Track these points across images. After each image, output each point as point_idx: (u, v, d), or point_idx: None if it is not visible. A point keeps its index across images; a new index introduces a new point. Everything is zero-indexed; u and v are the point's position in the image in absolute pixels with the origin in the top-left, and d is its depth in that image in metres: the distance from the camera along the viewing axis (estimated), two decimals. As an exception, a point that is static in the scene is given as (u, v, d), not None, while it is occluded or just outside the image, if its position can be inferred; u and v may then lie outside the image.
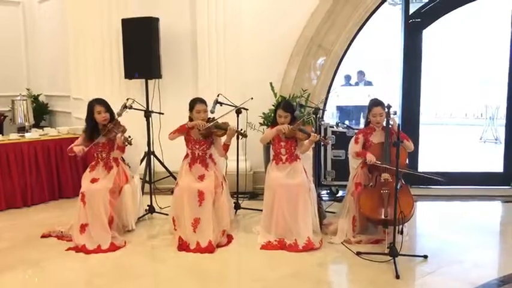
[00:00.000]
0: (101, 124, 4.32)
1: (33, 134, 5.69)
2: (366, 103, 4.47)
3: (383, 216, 3.86)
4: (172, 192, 4.45)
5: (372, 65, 11.12)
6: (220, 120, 4.36)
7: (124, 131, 4.29)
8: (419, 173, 4.21)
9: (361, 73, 10.41)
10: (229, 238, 4.27)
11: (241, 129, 4.48)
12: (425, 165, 6.19)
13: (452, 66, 11.86)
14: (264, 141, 4.49)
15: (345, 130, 5.52)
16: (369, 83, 10.42)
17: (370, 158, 4.13)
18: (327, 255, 3.94)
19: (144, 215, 4.86)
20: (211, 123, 4.25)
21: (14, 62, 7.81)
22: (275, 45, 5.86)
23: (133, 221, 4.50)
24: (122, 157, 4.51)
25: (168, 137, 4.31)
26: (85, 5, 6.08)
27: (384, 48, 10.72)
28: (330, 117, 10.03)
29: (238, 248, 4.21)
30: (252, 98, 4.84)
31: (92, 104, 4.34)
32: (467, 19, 9.91)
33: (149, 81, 5.58)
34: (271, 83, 5.65)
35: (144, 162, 5.39)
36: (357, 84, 10.49)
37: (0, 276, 3.57)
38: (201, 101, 4.35)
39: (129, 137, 4.22)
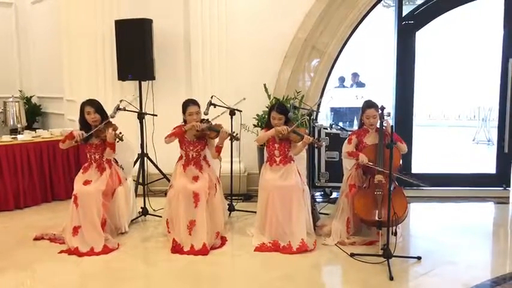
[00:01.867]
0: (93, 125, 4.30)
1: (25, 136, 5.65)
2: (358, 105, 4.48)
3: (377, 218, 3.86)
4: (165, 194, 4.43)
5: (366, 67, 11.14)
6: (214, 122, 4.36)
7: (115, 128, 4.27)
8: (405, 177, 4.22)
9: (354, 75, 10.44)
10: (223, 240, 4.26)
11: (234, 132, 4.47)
12: (418, 166, 6.21)
13: (446, 68, 11.91)
14: (260, 141, 4.47)
15: (338, 132, 5.53)
16: (362, 85, 10.45)
17: (362, 158, 4.14)
18: (320, 257, 3.95)
19: (137, 217, 4.84)
20: (206, 125, 4.25)
21: (6, 63, 7.75)
22: (269, 46, 5.86)
23: (126, 223, 4.49)
24: (114, 159, 4.49)
25: (164, 141, 4.29)
26: (78, 6, 6.05)
27: (377, 50, 10.75)
28: (324, 119, 10.05)
29: (232, 250, 4.20)
30: (244, 99, 4.83)
31: (83, 105, 4.34)
32: (461, 21, 9.96)
33: (142, 82, 5.56)
34: (265, 85, 5.64)
35: (137, 164, 5.36)
36: (351, 86, 10.52)
37: (-9, 280, 3.55)
38: (193, 102, 4.34)
39: (120, 133, 4.21)
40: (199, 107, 4.35)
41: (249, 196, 5.67)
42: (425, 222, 4.94)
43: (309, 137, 4.19)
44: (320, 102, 6.08)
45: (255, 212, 4.44)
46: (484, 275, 3.59)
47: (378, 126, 4.21)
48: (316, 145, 4.30)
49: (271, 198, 4.14)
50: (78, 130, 4.28)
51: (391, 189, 3.74)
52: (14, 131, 6.01)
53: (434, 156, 8.35)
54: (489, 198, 5.69)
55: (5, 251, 4.12)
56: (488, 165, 6.46)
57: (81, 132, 4.23)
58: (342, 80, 10.49)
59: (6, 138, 5.51)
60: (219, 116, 4.48)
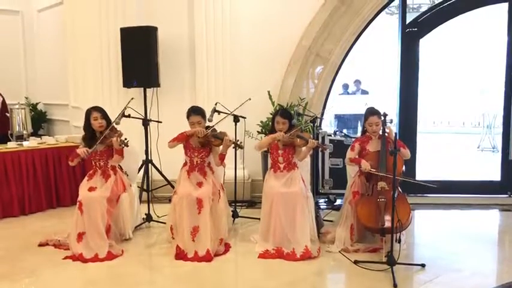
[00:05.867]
0: (98, 132, 4.33)
1: (31, 143, 5.69)
2: (362, 111, 4.48)
3: (380, 225, 3.86)
4: (170, 201, 4.44)
5: (370, 74, 11.16)
6: (218, 130, 4.37)
7: (120, 135, 4.29)
8: (413, 180, 4.23)
9: (357, 82, 10.45)
10: (227, 247, 4.26)
11: (238, 141, 4.47)
12: (422, 173, 6.19)
13: (450, 75, 11.90)
14: (259, 148, 4.48)
15: (342, 138, 5.53)
16: (365, 92, 10.46)
17: (365, 165, 4.13)
18: (324, 264, 3.94)
19: (141, 224, 4.86)
20: (209, 132, 4.26)
21: (12, 70, 7.82)
22: (273, 54, 5.89)
23: (130, 230, 4.50)
24: (119, 165, 4.51)
25: (167, 145, 4.31)
26: (84, 14, 6.12)
27: (381, 57, 10.77)
28: (328, 126, 10.05)
29: (235, 257, 4.20)
30: (249, 99, 4.84)
31: (89, 111, 4.37)
32: (465, 28, 9.97)
33: (147, 89, 5.60)
34: (269, 92, 5.66)
35: (141, 171, 5.38)
36: (353, 93, 10.53)
37: (-4, 285, 3.56)
38: (196, 111, 4.32)
39: (125, 139, 4.22)
40: (203, 115, 4.34)
41: (253, 203, 5.67)
42: (430, 230, 4.92)
43: (313, 140, 4.19)
44: (323, 109, 6.10)
45: (259, 219, 4.43)
46: (488, 282, 3.58)
47: (381, 133, 4.22)
48: (321, 149, 4.30)
49: (275, 204, 4.14)
50: (81, 148, 4.30)
51: (395, 196, 3.74)
52: (20, 138, 6.05)
53: (438, 163, 8.33)
54: (494, 206, 5.66)
55: (10, 256, 4.14)
56: (493, 172, 6.44)
57: (85, 149, 4.25)
58: (345, 87, 10.51)
59: (12, 145, 5.55)
60: (221, 120, 4.47)
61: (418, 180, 4.22)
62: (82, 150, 4.24)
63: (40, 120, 7.81)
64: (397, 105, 6.12)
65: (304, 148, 4.25)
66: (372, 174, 4.15)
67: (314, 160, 4.73)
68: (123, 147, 4.27)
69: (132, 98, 4.63)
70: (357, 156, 4.32)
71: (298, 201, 4.12)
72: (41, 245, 4.36)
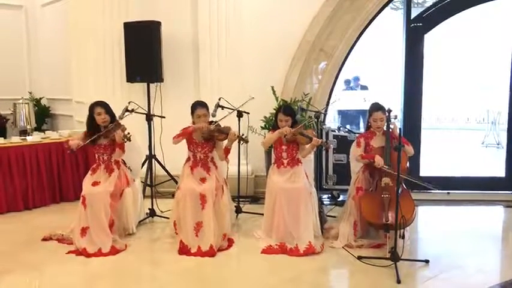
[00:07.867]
0: (102, 126, 4.33)
1: (34, 137, 5.70)
2: (364, 107, 4.46)
3: (384, 221, 3.85)
4: (173, 196, 4.45)
5: (373, 69, 11.10)
6: (222, 124, 4.36)
7: (124, 129, 4.28)
8: (414, 179, 4.22)
9: (356, 79, 10.39)
10: (230, 242, 4.26)
11: (243, 135, 4.46)
12: (427, 169, 6.17)
13: (454, 71, 11.84)
14: (266, 145, 4.48)
15: (346, 134, 5.51)
16: (365, 87, 10.41)
17: (379, 161, 4.08)
18: (328, 260, 3.94)
19: (145, 219, 4.86)
20: (214, 126, 4.25)
21: (16, 65, 7.83)
22: (277, 49, 5.87)
23: (134, 225, 4.51)
24: (123, 160, 4.51)
25: (172, 141, 4.30)
26: (87, 8, 6.11)
27: (385, 53, 10.72)
28: (332, 121, 10.02)
29: (239, 252, 4.20)
30: (253, 97, 4.83)
31: (93, 106, 4.36)
32: (470, 23, 9.90)
33: (151, 84, 5.59)
34: (272, 87, 5.65)
35: (145, 166, 5.38)
36: (352, 88, 10.48)
37: (0, 280, 3.56)
38: (202, 105, 4.35)
39: (128, 133, 4.21)
40: (207, 109, 4.36)
41: (256, 198, 5.67)
42: (434, 226, 4.90)
43: (317, 139, 4.18)
44: (327, 105, 6.08)
45: (262, 214, 4.43)
46: (492, 279, 3.57)
47: (385, 129, 4.20)
48: (324, 147, 4.29)
49: (278, 200, 4.14)
50: (75, 140, 4.29)
51: (399, 192, 3.72)
52: (24, 133, 6.06)
53: (442, 159, 8.30)
54: (498, 202, 5.64)
55: (14, 251, 4.15)
56: (497, 168, 6.42)
57: (77, 141, 4.24)
58: (347, 82, 10.46)
59: (16, 140, 5.56)
60: (225, 117, 4.46)
61: (421, 181, 4.20)
62: (75, 143, 4.22)
63: (43, 115, 7.82)
64: (401, 101, 6.09)
65: (307, 146, 4.24)
66: (376, 169, 4.13)
67: (318, 156, 4.71)
68: (125, 142, 4.27)
69: (129, 102, 4.57)
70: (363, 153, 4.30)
71: (302, 196, 4.11)
72: (44, 239, 4.37)
